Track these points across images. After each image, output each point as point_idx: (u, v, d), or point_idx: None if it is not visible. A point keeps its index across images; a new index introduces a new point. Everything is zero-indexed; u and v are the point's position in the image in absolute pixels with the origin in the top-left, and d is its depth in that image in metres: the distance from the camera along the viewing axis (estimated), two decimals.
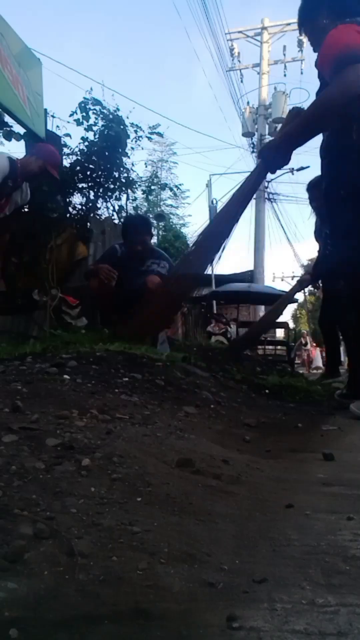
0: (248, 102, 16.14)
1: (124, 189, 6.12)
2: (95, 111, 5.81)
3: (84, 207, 5.94)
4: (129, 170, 6.11)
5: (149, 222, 4.01)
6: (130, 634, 0.67)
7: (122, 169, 5.95)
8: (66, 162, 5.91)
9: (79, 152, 5.89)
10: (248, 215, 16.74)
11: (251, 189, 2.59)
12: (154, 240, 4.43)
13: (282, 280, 28.01)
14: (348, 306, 2.43)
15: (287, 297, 4.73)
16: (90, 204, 5.96)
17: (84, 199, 5.95)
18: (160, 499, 1.07)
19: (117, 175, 5.92)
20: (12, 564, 0.76)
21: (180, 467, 1.29)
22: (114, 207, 6.29)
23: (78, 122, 5.80)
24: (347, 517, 1.09)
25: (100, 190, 5.96)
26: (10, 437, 1.25)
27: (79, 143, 5.91)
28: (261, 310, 14.39)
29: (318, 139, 2.27)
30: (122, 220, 6.15)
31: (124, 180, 6.01)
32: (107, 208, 6.29)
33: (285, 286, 25.06)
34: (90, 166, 5.78)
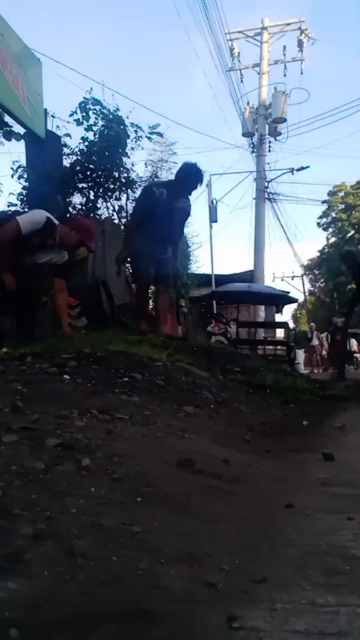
0: (248, 102, 16.07)
1: (124, 189, 6.11)
2: (95, 111, 5.80)
3: (84, 207, 5.93)
4: (129, 170, 6.10)
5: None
6: (130, 634, 0.67)
7: (122, 169, 5.94)
8: (66, 162, 5.91)
9: (79, 152, 5.89)
10: (248, 215, 16.67)
11: None
12: None
13: (282, 280, 27.84)
14: None
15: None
16: (90, 204, 5.95)
17: (84, 199, 5.95)
18: (160, 499, 1.08)
19: (117, 175, 5.91)
20: (12, 564, 0.76)
21: (180, 467, 1.29)
22: (114, 207, 6.29)
23: (78, 122, 5.80)
24: (347, 517, 1.09)
25: (100, 190, 5.96)
26: (10, 437, 1.25)
27: (79, 143, 5.90)
28: (261, 310, 14.34)
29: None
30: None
31: (124, 180, 6.00)
32: (107, 208, 6.29)
33: (286, 286, 24.90)
34: (90, 166, 5.77)
